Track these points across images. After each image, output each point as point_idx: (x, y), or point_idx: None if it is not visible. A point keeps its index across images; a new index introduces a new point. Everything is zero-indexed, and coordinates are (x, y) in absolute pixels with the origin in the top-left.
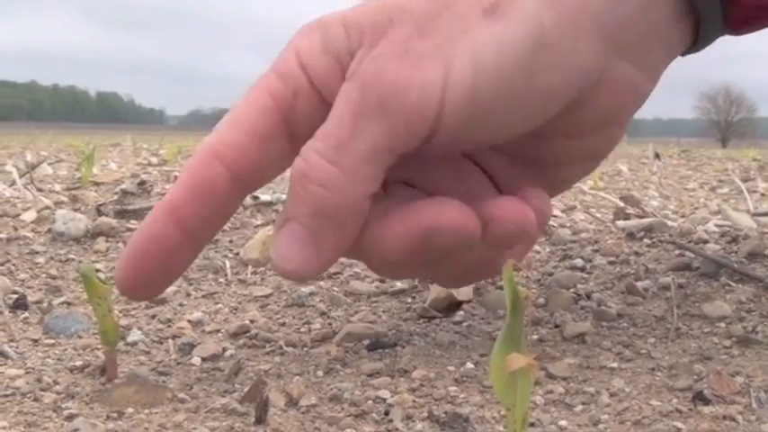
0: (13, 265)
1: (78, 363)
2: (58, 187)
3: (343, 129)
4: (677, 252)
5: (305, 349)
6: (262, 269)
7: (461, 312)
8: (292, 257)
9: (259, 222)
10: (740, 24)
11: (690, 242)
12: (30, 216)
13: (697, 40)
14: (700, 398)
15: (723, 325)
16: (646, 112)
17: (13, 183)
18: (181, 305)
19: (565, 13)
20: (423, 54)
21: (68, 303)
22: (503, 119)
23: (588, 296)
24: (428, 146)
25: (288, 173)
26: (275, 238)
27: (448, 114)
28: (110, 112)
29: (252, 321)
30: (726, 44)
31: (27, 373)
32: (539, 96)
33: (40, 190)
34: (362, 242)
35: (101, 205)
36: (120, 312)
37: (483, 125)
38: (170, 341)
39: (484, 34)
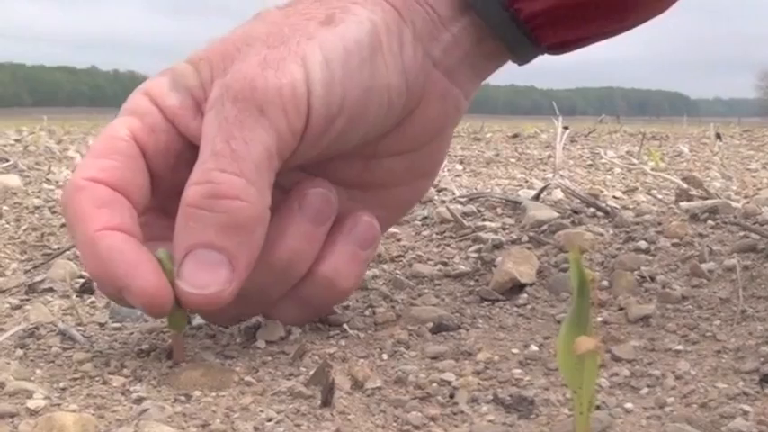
0: None
1: (145, 346)
2: None
3: (234, 141)
4: (742, 233)
5: (369, 332)
6: None
7: (524, 295)
8: (208, 283)
9: None
10: (552, 48)
11: (755, 223)
12: None
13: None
14: (766, 380)
15: None
16: (706, 91)
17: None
18: None
19: (390, 21)
20: (279, 59)
21: None
22: (356, 113)
23: (652, 278)
24: (292, 157)
25: None
26: (178, 275)
27: (314, 105)
28: None
29: None
30: None
31: (95, 356)
32: (382, 92)
33: None
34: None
35: None
36: None
37: (341, 120)
38: (235, 325)
39: (327, 36)
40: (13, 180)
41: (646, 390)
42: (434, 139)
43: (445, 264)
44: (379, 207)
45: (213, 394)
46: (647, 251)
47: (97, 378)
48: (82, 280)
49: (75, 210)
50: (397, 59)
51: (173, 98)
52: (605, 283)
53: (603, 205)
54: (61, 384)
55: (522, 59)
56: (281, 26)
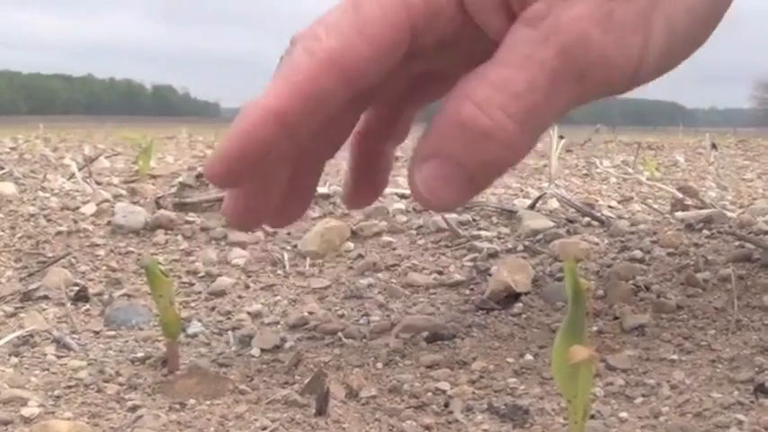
0: (74, 257)
1: (140, 354)
2: (116, 180)
3: (538, 92)
4: (737, 243)
5: (364, 341)
6: (320, 261)
7: (520, 304)
8: (445, 196)
9: (316, 215)
10: None
11: (750, 233)
12: (89, 209)
13: None
14: (761, 390)
15: None
16: (702, 101)
17: (72, 176)
18: (240, 297)
19: None
20: (624, 22)
21: (129, 295)
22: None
23: (647, 288)
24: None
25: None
26: (419, 170)
27: (634, 78)
28: (165, 105)
29: (311, 313)
30: None
31: (89, 364)
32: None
33: (98, 183)
34: None
35: (159, 198)
36: (180, 304)
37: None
38: (230, 333)
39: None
40: (9, 188)
41: (640, 399)
42: None
43: (440, 273)
44: None
45: (208, 402)
46: (642, 261)
47: (92, 386)
48: (77, 288)
49: None
50: None
51: None
52: (600, 292)
53: (599, 215)
54: (56, 392)
55: None
56: None
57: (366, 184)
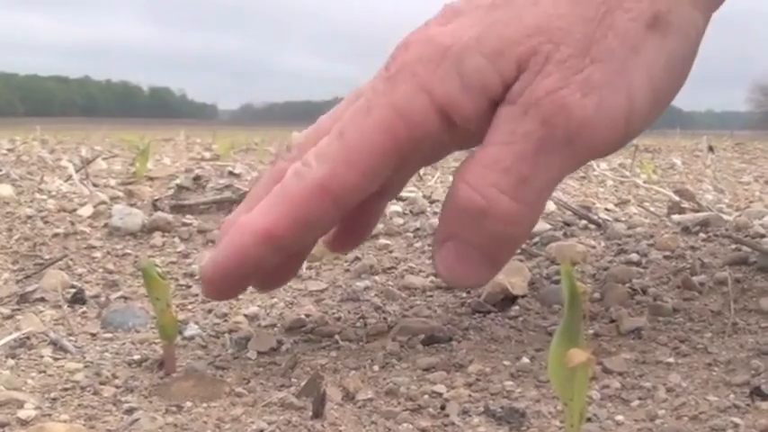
0: (71, 259)
1: (136, 357)
2: (113, 182)
3: (526, 164)
4: (733, 246)
5: (360, 344)
6: (317, 264)
7: (516, 307)
8: (465, 275)
9: None
10: None
11: (746, 236)
12: (86, 211)
13: None
14: (757, 393)
15: None
16: (699, 104)
17: (69, 178)
18: (237, 299)
19: (707, 11)
20: (603, 83)
21: (126, 298)
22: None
23: (644, 291)
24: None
25: None
26: (438, 252)
27: (624, 134)
28: (162, 107)
29: (307, 316)
30: None
31: (86, 366)
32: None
33: (95, 185)
34: None
35: (156, 200)
36: (177, 307)
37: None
38: (226, 335)
39: (653, 50)
40: (6, 189)
41: (637, 402)
42: None
43: (437, 275)
44: None
45: (204, 405)
46: (638, 263)
47: (88, 388)
48: (73, 290)
49: None
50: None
51: (465, 103)
52: (597, 295)
53: (596, 217)
54: (52, 395)
55: None
56: (601, 27)
57: (351, 233)
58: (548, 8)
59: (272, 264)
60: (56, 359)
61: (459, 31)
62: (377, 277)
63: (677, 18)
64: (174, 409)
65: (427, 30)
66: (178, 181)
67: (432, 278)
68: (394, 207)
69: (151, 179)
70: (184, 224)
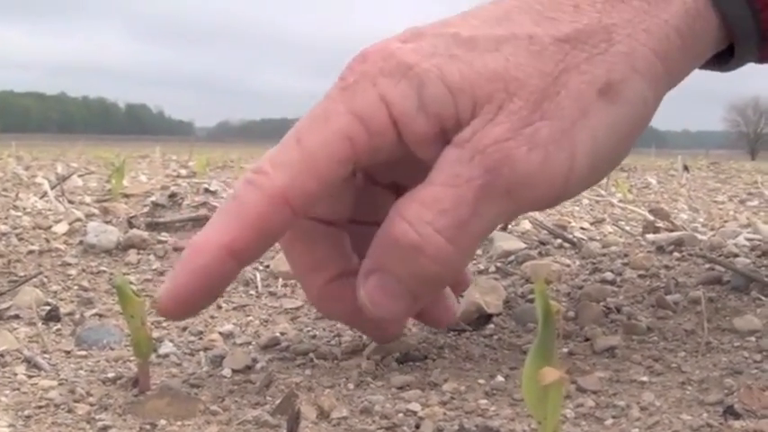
0: (46, 276)
1: (111, 374)
2: (88, 199)
3: (466, 208)
4: (707, 266)
5: (335, 362)
6: (292, 281)
7: (491, 325)
8: (389, 308)
9: None
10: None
11: (720, 256)
12: (61, 228)
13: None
14: (730, 412)
15: (753, 339)
16: (674, 123)
17: (44, 195)
18: (212, 317)
19: (660, 90)
20: (550, 140)
21: (100, 315)
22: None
23: (618, 310)
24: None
25: None
26: (364, 284)
27: (564, 191)
28: (139, 124)
29: (282, 334)
30: None
31: (60, 384)
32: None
33: (71, 202)
34: None
35: (132, 218)
36: (152, 324)
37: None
38: (201, 353)
39: (601, 117)
40: None
41: (611, 421)
42: None
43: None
44: None
45: (179, 423)
46: (613, 282)
47: (62, 406)
48: (48, 307)
49: None
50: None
51: (418, 123)
52: (571, 314)
53: (571, 236)
54: (26, 412)
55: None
56: (555, 84)
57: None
58: (509, 55)
59: (232, 275)
60: (30, 376)
61: (420, 53)
62: None
63: (628, 89)
64: (147, 427)
65: (387, 44)
66: (154, 198)
67: None
68: None
69: (127, 196)
70: (160, 241)
